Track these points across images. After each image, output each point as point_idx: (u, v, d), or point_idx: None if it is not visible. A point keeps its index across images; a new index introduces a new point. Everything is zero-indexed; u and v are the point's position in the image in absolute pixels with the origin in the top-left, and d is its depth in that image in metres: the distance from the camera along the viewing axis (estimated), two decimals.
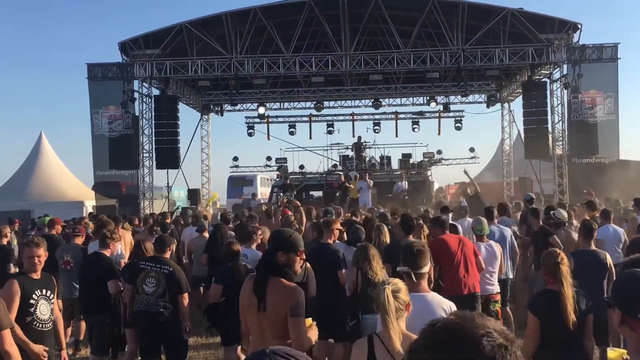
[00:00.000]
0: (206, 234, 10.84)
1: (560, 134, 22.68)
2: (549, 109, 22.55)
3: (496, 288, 7.71)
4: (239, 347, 6.92)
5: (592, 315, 4.76)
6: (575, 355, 4.64)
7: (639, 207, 10.60)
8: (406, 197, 19.58)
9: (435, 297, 4.25)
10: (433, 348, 1.37)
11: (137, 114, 22.80)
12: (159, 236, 7.91)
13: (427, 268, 4.44)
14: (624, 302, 2.54)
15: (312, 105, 29.35)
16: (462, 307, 6.54)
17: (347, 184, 20.03)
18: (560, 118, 22.62)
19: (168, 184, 25.03)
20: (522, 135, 24.22)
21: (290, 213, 12.28)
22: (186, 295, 6.76)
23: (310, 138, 30.97)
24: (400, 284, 3.70)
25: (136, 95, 22.74)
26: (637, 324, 2.49)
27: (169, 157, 23.33)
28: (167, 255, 7.03)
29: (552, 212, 9.69)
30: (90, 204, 24.88)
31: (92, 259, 7.58)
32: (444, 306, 4.15)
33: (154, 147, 23.28)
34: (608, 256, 6.76)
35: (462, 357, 1.32)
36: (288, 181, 22.35)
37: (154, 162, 23.37)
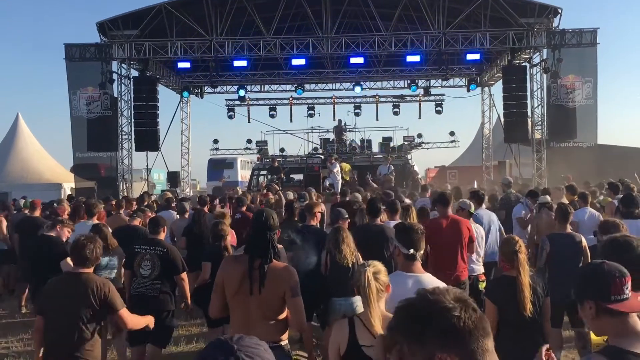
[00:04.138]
0: (187, 216, 10.84)
1: (540, 118, 22.82)
2: (528, 93, 22.63)
3: (481, 268, 7.79)
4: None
5: (549, 299, 4.90)
6: (533, 339, 4.76)
7: (612, 191, 10.72)
8: (391, 181, 19.60)
9: (429, 278, 4.29)
10: (408, 323, 1.50)
11: (115, 95, 22.58)
12: (152, 217, 7.87)
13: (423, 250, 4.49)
14: (596, 290, 2.58)
15: (293, 88, 29.28)
16: None
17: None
18: (539, 102, 22.76)
19: (147, 166, 24.88)
20: (502, 119, 24.35)
21: (272, 196, 12.34)
22: (184, 275, 6.74)
23: (291, 121, 31.01)
24: (379, 265, 3.71)
25: (115, 76, 22.49)
26: (614, 307, 2.52)
27: (148, 139, 23.12)
28: (162, 236, 6.98)
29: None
30: (68, 186, 24.68)
31: (41, 241, 7.45)
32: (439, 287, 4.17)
33: (133, 129, 23.07)
34: (583, 238, 6.86)
35: (435, 328, 1.45)
36: (276, 163, 22.22)
37: (133, 144, 23.19)
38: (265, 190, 16.01)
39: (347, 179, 20.72)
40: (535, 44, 21.78)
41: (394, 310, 1.59)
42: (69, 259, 7.00)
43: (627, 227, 5.99)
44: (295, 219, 8.90)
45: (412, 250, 4.25)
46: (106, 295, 4.80)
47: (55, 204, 12.09)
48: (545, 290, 4.91)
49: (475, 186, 20.19)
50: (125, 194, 21.42)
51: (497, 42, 21.59)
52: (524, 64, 23.61)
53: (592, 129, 22.20)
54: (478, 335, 1.43)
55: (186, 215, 10.90)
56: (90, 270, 5.00)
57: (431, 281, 4.25)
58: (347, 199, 11.32)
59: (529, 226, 9.83)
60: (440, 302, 1.47)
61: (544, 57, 22.18)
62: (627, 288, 2.55)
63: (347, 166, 21.57)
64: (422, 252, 4.41)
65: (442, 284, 4.24)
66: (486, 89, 29.98)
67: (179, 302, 7.10)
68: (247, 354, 1.53)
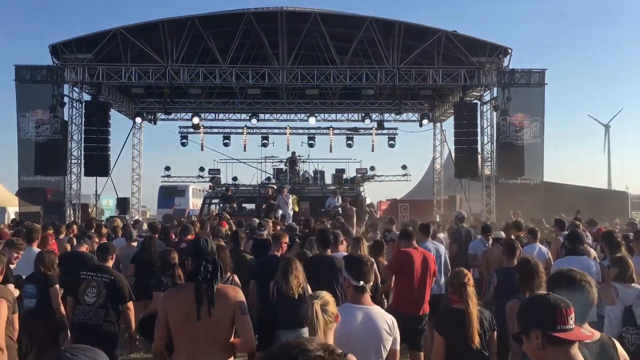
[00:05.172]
0: (134, 244, 10.62)
1: (489, 155, 23.33)
2: (479, 130, 23.18)
3: None
4: None
5: (496, 333, 5.00)
6: None
7: (559, 227, 10.95)
8: (339, 213, 19.68)
9: (379, 310, 4.30)
10: None
11: (66, 118, 22.18)
12: (100, 244, 7.70)
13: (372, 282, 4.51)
14: (543, 320, 2.64)
15: (248, 117, 29.28)
16: (410, 325, 6.62)
17: (272, 200, 19.93)
18: (489, 139, 23.29)
19: (96, 192, 24.39)
20: (453, 155, 24.78)
21: (226, 226, 12.24)
22: (130, 304, 6.61)
23: (245, 150, 30.91)
24: (327, 297, 3.69)
25: (66, 99, 22.11)
26: (560, 335, 2.58)
27: (98, 165, 22.68)
28: (110, 263, 6.84)
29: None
30: (13, 210, 23.99)
31: None
32: (387, 319, 4.19)
33: (82, 153, 22.64)
34: None
35: None
36: (230, 192, 22.10)
37: (83, 169, 22.73)
38: (217, 220, 15.85)
39: (297, 210, 20.69)
40: (485, 82, 22.36)
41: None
42: None
43: (572, 263, 6.15)
44: (242, 248, 8.85)
45: (361, 283, 4.26)
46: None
47: None
48: (493, 324, 4.98)
49: (438, 219, 20.44)
50: (73, 218, 20.94)
51: (449, 79, 22.08)
52: (474, 101, 24.20)
53: (538, 166, 22.82)
54: None
55: (133, 243, 10.67)
56: None
57: (381, 313, 4.27)
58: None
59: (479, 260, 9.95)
60: (305, 348, 1.48)
61: (494, 95, 22.77)
62: (571, 319, 2.63)
63: (295, 197, 21.55)
64: (371, 283, 4.43)
65: (390, 317, 4.26)
66: (438, 124, 30.56)
67: (124, 332, 6.93)
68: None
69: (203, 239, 4.42)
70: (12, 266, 7.34)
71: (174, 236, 11.68)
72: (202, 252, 4.24)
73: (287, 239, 8.06)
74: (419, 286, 7.19)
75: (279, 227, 11.88)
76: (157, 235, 10.85)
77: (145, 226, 11.25)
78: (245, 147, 30.77)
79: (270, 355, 1.53)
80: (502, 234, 10.01)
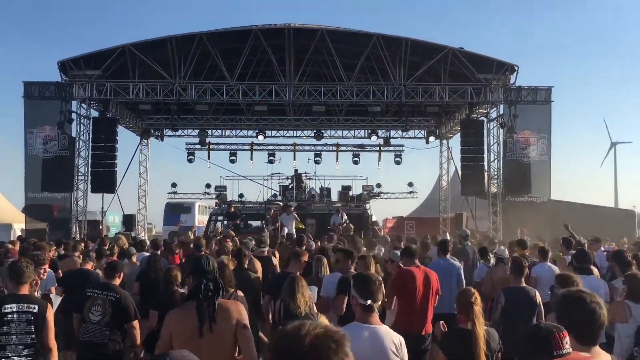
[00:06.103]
0: (134, 260, 10.59)
1: (496, 172, 23.26)
2: (485, 147, 23.14)
3: None
4: None
5: (502, 354, 4.95)
6: None
7: (566, 246, 10.86)
8: (343, 231, 19.59)
9: (387, 330, 4.27)
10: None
11: (73, 135, 22.25)
12: (110, 261, 7.67)
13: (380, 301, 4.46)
14: (539, 349, 2.69)
15: (254, 134, 29.33)
16: (413, 344, 6.56)
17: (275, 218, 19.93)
18: (495, 156, 23.25)
19: (103, 208, 24.40)
20: (459, 172, 24.72)
21: (229, 243, 12.19)
22: (135, 323, 6.54)
23: (251, 167, 30.93)
24: (325, 320, 3.68)
25: (74, 116, 22.20)
26: None
27: (105, 181, 22.72)
28: (117, 281, 6.81)
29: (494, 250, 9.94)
30: (19, 227, 24.02)
31: None
32: (395, 340, 4.17)
33: (89, 170, 22.66)
34: (537, 294, 6.90)
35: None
36: (232, 209, 22.02)
37: (89, 186, 22.75)
38: (221, 237, 15.81)
39: (301, 227, 20.57)
40: (492, 99, 22.35)
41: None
42: None
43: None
44: (245, 266, 8.78)
45: (369, 301, 4.22)
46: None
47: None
48: (499, 345, 4.91)
49: (448, 236, 20.36)
50: (79, 235, 20.93)
51: (455, 96, 22.08)
52: (481, 118, 24.18)
53: (545, 184, 22.71)
54: None
55: (134, 260, 10.63)
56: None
57: (388, 333, 4.22)
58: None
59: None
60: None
61: (501, 112, 22.76)
62: (566, 342, 2.61)
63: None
64: (379, 303, 4.38)
65: (398, 337, 4.21)
66: (444, 141, 30.52)
67: (129, 350, 6.88)
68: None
69: (204, 258, 4.44)
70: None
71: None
72: (202, 270, 4.28)
73: (306, 257, 8.00)
74: (421, 305, 7.10)
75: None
76: (159, 252, 10.83)
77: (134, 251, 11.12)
78: (251, 162, 30.85)
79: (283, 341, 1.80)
80: (506, 252, 9.94)
